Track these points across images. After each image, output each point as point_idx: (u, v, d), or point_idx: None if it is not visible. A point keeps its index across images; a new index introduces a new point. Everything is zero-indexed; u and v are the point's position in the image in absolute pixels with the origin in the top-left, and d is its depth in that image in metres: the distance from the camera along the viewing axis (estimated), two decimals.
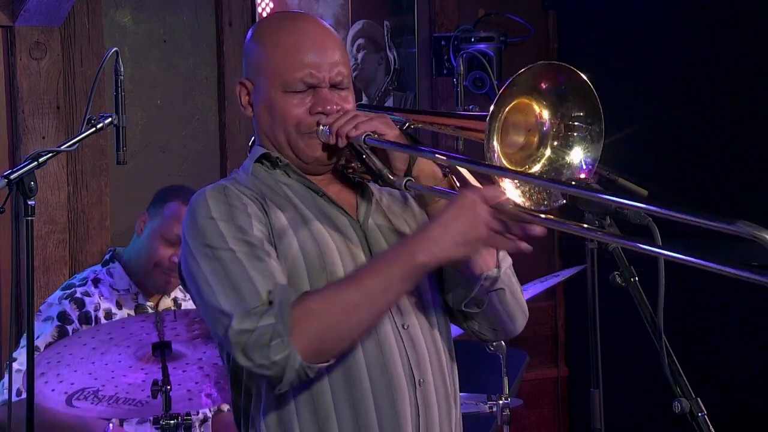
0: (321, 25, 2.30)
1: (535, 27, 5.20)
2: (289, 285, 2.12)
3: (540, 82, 2.14)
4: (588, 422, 2.37)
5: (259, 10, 4.62)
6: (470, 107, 3.91)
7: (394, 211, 2.31)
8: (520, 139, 2.19)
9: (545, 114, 2.17)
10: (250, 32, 2.33)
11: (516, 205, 2.02)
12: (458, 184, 2.19)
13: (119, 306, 3.48)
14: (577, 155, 2.17)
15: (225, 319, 2.06)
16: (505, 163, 2.12)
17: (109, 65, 2.79)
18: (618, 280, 2.13)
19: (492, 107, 2.09)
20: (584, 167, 2.17)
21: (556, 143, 2.18)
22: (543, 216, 1.98)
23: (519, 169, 2.13)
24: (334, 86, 2.24)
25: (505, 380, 3.76)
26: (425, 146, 2.22)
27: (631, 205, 1.93)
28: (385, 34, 5.03)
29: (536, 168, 2.18)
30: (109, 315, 3.43)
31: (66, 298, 3.42)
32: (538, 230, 1.99)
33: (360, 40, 4.96)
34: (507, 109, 2.12)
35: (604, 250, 2.20)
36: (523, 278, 4.06)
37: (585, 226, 2.01)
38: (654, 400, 4.76)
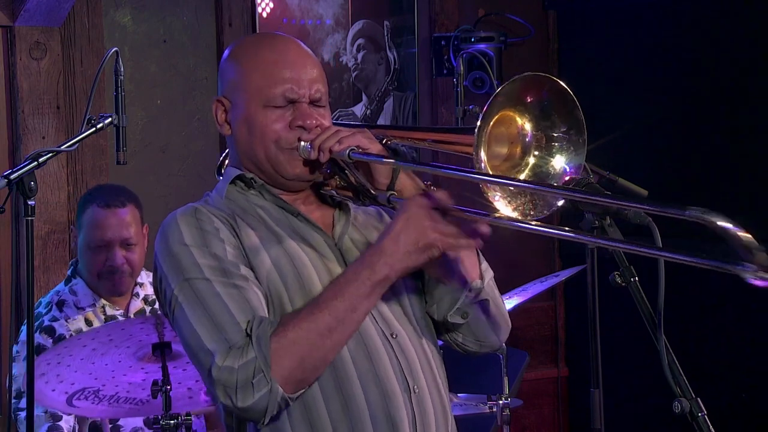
0: (298, 44, 2.31)
1: (535, 27, 5.20)
2: (269, 305, 2.13)
3: (522, 94, 2.16)
4: (588, 422, 2.37)
5: (259, 10, 4.62)
6: (470, 107, 3.92)
7: (369, 226, 2.32)
8: (504, 150, 2.21)
9: (527, 125, 2.19)
10: (226, 52, 2.34)
11: (456, 206, 2.08)
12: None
13: (88, 323, 3.43)
14: (560, 162, 2.19)
15: (207, 357, 2.07)
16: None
17: (109, 65, 2.79)
18: (618, 280, 2.13)
19: (479, 122, 2.11)
20: (568, 171, 2.19)
21: (538, 152, 2.20)
22: (483, 213, 2.06)
23: (505, 175, 2.15)
24: (313, 103, 2.25)
25: (505, 380, 3.76)
26: (409, 159, 2.23)
27: (583, 197, 1.97)
28: (385, 34, 5.03)
29: (521, 177, 2.20)
30: (80, 333, 3.40)
31: (36, 331, 3.36)
32: (484, 228, 2.06)
33: (360, 40, 4.97)
34: (492, 123, 2.14)
35: (605, 250, 2.20)
36: (523, 278, 4.07)
37: (513, 218, 2.07)
38: (654, 400, 4.76)
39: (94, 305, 3.44)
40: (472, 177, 2.08)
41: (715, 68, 4.88)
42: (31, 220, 2.57)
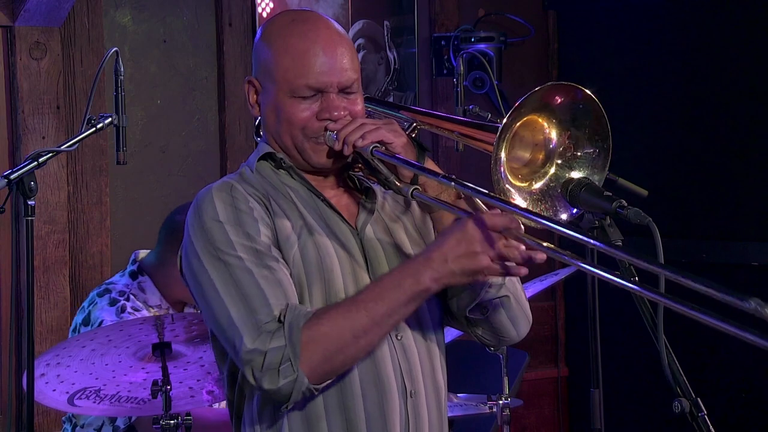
0: (331, 27, 2.27)
1: (535, 27, 5.20)
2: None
3: (554, 101, 2.14)
4: (588, 422, 2.37)
5: (259, 10, 4.62)
6: (470, 107, 3.91)
7: (394, 215, 2.31)
8: (526, 154, 2.20)
9: (554, 133, 2.18)
10: (260, 30, 2.31)
11: (516, 232, 2.03)
12: (463, 194, 2.18)
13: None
14: (579, 176, 2.18)
15: (236, 335, 2.07)
16: (509, 176, 2.13)
17: (109, 65, 2.79)
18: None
19: (505, 120, 2.09)
20: None
21: (561, 161, 2.19)
22: (545, 244, 2.00)
23: (516, 203, 2.13)
24: (343, 90, 2.23)
25: (505, 380, 3.75)
26: (429, 167, 2.21)
27: (642, 265, 1.88)
28: (385, 34, 5.03)
29: (539, 185, 2.20)
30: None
31: (121, 313, 3.33)
32: (540, 256, 2.01)
33: (360, 40, 4.96)
34: (518, 124, 2.13)
35: None
36: (523, 277, 4.05)
37: (580, 261, 1.98)
38: (654, 400, 4.76)
39: (160, 306, 3.43)
40: (490, 200, 2.05)
41: (716, 67, 4.87)
42: (31, 220, 2.57)
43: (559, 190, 2.19)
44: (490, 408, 3.74)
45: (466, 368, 4.03)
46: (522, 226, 2.03)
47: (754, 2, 4.75)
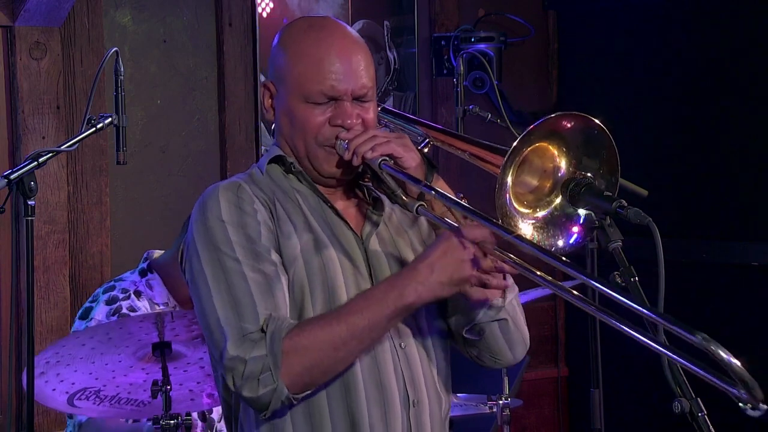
0: (347, 35, 2.26)
1: (535, 27, 5.20)
2: (291, 293, 2.14)
3: (564, 128, 2.15)
4: (588, 422, 2.37)
5: (259, 10, 4.62)
6: (470, 107, 3.91)
7: (401, 228, 2.30)
8: (534, 182, 2.20)
9: (563, 162, 2.18)
10: (277, 36, 2.31)
11: (498, 249, 2.06)
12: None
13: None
14: (584, 210, 2.19)
15: (220, 339, 2.09)
16: (513, 202, 2.14)
17: (109, 65, 2.79)
18: (618, 280, 2.14)
19: (514, 144, 2.10)
20: (582, 221, 2.20)
21: (567, 191, 2.20)
22: (517, 261, 2.03)
23: (520, 233, 2.14)
24: (357, 99, 2.23)
25: (505, 380, 3.76)
26: (438, 185, 2.21)
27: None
28: (385, 34, 5.03)
29: (542, 213, 2.20)
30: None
31: (112, 315, 3.33)
32: (509, 269, 2.07)
33: None
34: (528, 149, 2.13)
35: (605, 251, 2.21)
36: (524, 280, 4.07)
37: (549, 279, 2.03)
38: (654, 400, 4.76)
39: (167, 304, 3.43)
40: (495, 228, 2.05)
41: (716, 67, 4.87)
42: (31, 220, 2.57)
43: (561, 215, 2.20)
44: (490, 408, 3.74)
45: (467, 368, 4.03)
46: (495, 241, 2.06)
47: (754, 3, 4.75)
